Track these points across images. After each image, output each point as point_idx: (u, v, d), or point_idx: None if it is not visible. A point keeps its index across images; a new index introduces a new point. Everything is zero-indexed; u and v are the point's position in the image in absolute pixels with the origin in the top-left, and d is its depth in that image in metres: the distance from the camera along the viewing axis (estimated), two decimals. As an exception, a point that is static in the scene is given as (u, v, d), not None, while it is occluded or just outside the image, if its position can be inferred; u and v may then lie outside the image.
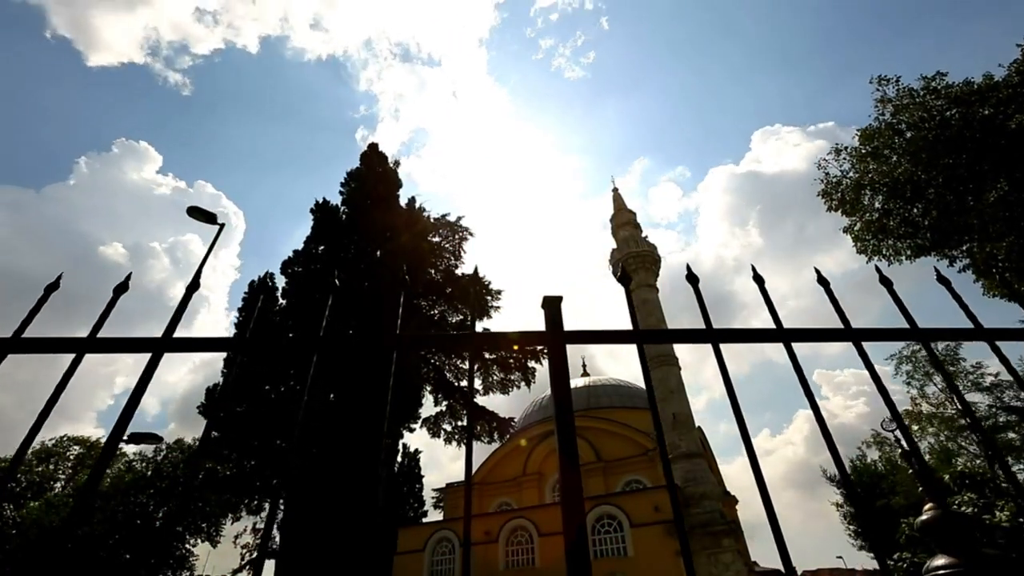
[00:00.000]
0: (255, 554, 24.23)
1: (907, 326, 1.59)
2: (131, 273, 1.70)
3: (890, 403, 1.43)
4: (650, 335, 1.54)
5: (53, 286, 1.63)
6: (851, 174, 13.35)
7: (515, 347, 1.43)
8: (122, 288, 1.64)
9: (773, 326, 1.55)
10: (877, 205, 12.91)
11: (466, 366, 22.09)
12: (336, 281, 1.73)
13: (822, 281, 1.76)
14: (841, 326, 1.59)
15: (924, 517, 4.38)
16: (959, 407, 26.01)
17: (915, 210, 12.11)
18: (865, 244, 13.32)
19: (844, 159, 13.52)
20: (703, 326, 1.55)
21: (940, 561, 3.96)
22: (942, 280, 1.80)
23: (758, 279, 1.71)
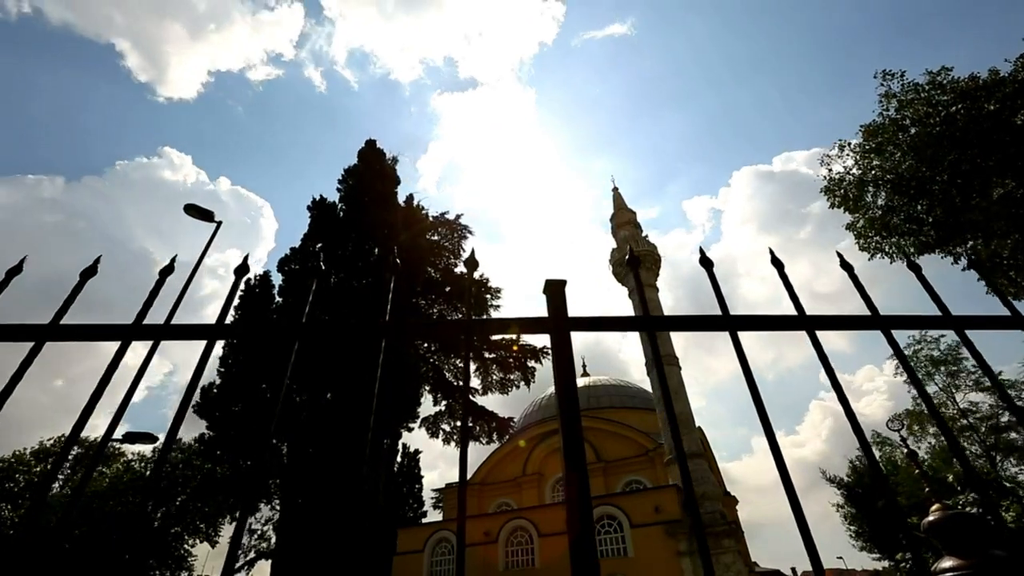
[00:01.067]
0: (252, 554, 24.11)
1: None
2: (100, 256, 1.58)
3: (924, 395, 1.31)
4: (659, 321, 1.42)
5: (15, 270, 1.51)
6: (854, 170, 13.21)
7: (516, 339, 1.33)
8: (90, 272, 1.52)
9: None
10: (880, 202, 12.76)
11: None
12: (322, 265, 1.61)
13: (845, 266, 1.64)
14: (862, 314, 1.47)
15: (931, 518, 4.23)
16: (959, 407, 26.01)
17: (919, 207, 11.95)
18: (868, 241, 13.17)
19: (848, 155, 13.37)
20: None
21: (948, 563, 3.82)
22: (972, 265, 1.69)
23: (777, 263, 1.58)
